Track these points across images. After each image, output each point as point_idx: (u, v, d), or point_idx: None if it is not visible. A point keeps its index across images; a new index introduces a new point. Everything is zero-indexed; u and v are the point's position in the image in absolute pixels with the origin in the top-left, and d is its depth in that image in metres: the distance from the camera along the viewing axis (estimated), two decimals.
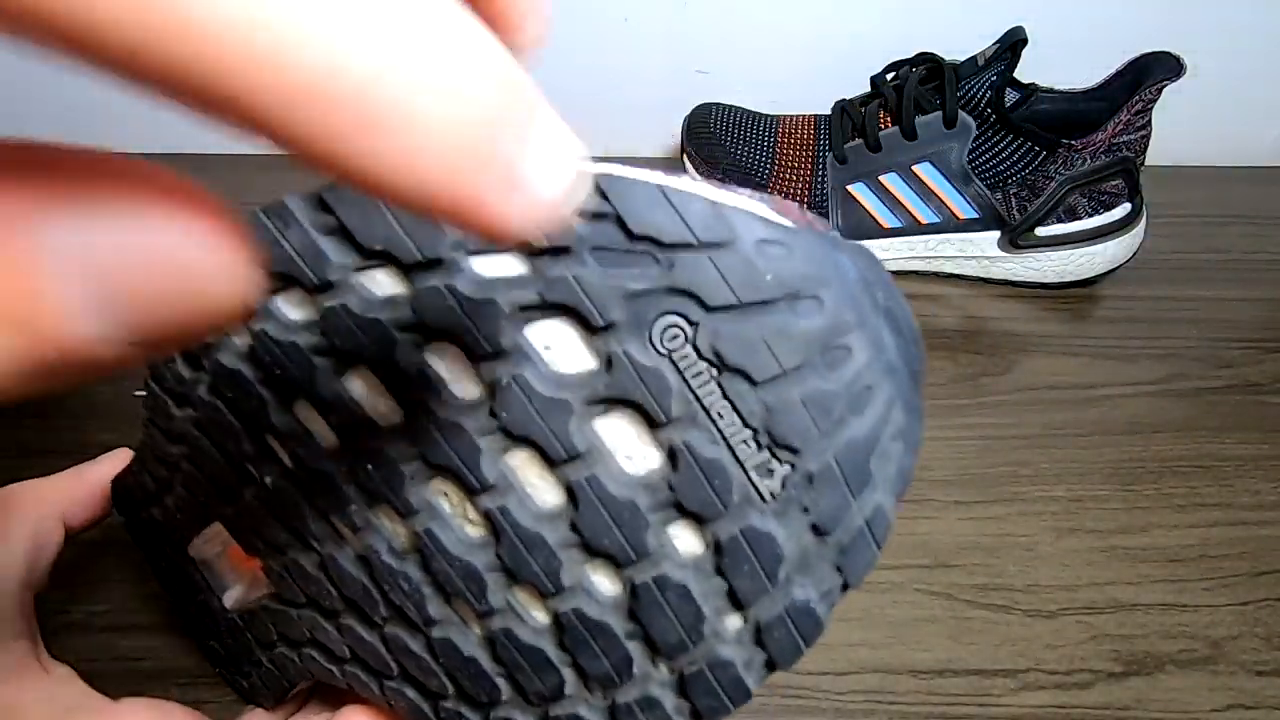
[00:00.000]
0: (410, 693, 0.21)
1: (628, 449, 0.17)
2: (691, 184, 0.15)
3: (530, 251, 0.16)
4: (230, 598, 0.24)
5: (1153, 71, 0.45)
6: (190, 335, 0.09)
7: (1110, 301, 0.50)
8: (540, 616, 0.18)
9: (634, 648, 0.18)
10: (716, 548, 0.17)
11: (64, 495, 0.24)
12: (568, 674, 0.19)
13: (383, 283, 0.17)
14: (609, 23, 0.60)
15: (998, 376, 0.44)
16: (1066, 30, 0.59)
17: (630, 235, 0.15)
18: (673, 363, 0.16)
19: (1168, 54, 0.45)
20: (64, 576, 0.31)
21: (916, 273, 0.52)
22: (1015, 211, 0.48)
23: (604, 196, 0.15)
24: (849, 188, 0.49)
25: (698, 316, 0.15)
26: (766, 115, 0.53)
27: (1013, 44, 0.45)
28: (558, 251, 0.16)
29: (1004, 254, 0.50)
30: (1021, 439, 0.40)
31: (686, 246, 0.15)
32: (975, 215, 0.48)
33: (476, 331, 0.16)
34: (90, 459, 0.26)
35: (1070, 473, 0.38)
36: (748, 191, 0.16)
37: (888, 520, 0.17)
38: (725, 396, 0.16)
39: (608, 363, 0.16)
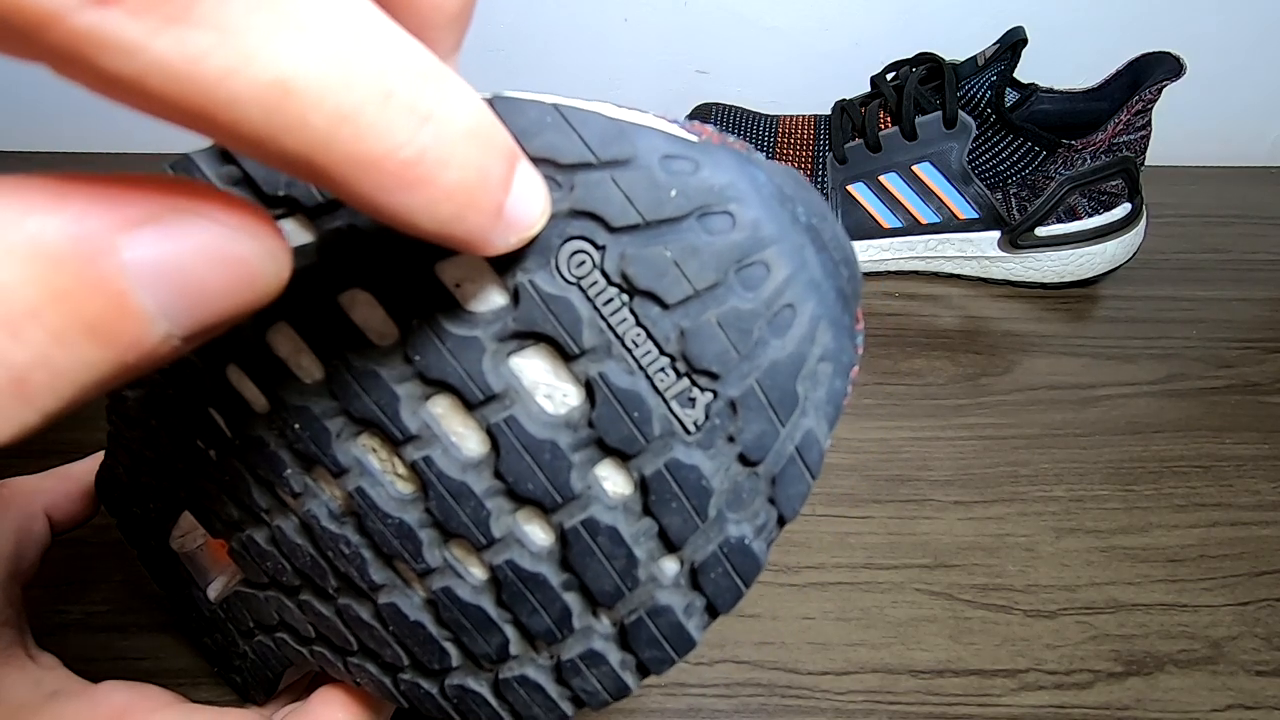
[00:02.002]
0: (371, 667, 0.20)
1: (545, 388, 0.16)
2: (591, 104, 0.15)
3: None
4: (213, 589, 0.24)
5: (1153, 71, 0.45)
6: (236, 320, 0.11)
7: (1110, 301, 0.50)
8: (477, 572, 0.18)
9: (571, 599, 0.18)
10: (643, 485, 0.16)
11: (48, 490, 0.25)
12: (510, 632, 0.18)
13: (291, 231, 0.16)
14: (609, 23, 0.60)
15: (998, 376, 0.44)
16: (1066, 30, 0.59)
17: (527, 158, 0.14)
18: (582, 290, 0.15)
19: (1168, 54, 0.45)
20: (62, 576, 0.31)
21: (916, 273, 0.52)
22: (1015, 211, 0.48)
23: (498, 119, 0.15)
24: (849, 188, 0.49)
25: (604, 240, 0.15)
26: (766, 115, 0.53)
27: (1013, 44, 0.45)
28: None
29: (1004, 254, 0.50)
30: (1021, 439, 0.40)
31: (586, 166, 0.14)
32: (975, 215, 0.48)
33: (385, 272, 0.16)
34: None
35: (1070, 473, 0.38)
36: (657, 113, 0.15)
37: (820, 446, 0.16)
38: (638, 323, 0.15)
39: (515, 296, 0.15)
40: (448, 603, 0.18)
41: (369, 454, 0.18)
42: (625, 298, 0.15)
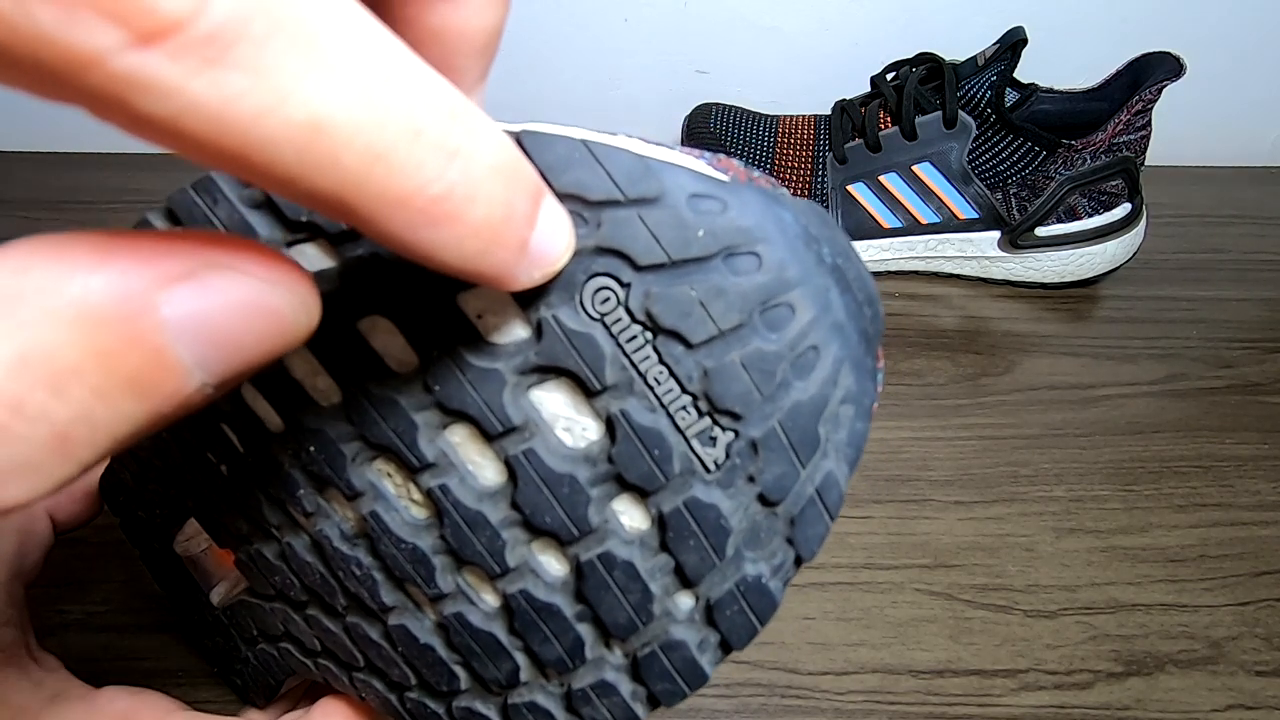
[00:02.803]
0: (378, 684, 0.20)
1: (565, 421, 0.16)
2: (618, 139, 0.15)
3: None
4: (216, 594, 0.24)
5: (1153, 71, 0.45)
6: (263, 366, 0.11)
7: (1110, 301, 0.50)
8: (490, 600, 0.18)
9: (584, 630, 0.18)
10: (661, 522, 0.16)
11: None
12: (521, 659, 0.18)
13: (312, 256, 0.16)
14: (609, 23, 0.60)
15: (998, 376, 0.44)
16: (1066, 30, 0.59)
17: (555, 194, 0.14)
18: (605, 327, 0.15)
19: (1168, 54, 0.45)
20: (63, 576, 0.31)
21: (916, 273, 0.52)
22: (1015, 211, 0.48)
23: (525, 153, 0.14)
24: (849, 188, 0.49)
25: (629, 277, 0.15)
26: (766, 115, 0.53)
27: (1013, 44, 0.45)
28: None
29: (1004, 254, 0.50)
30: (1021, 439, 0.40)
31: (613, 204, 0.14)
32: (975, 215, 0.48)
33: (406, 301, 0.16)
34: None
35: (1070, 473, 0.38)
36: (683, 148, 0.15)
37: (840, 488, 0.16)
38: (661, 361, 0.15)
39: (538, 330, 0.15)
40: (459, 628, 0.18)
41: (384, 479, 0.18)
42: (649, 335, 0.15)
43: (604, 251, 0.14)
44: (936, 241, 0.50)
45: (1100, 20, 0.60)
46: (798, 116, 0.52)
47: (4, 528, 0.23)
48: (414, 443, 0.17)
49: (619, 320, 0.15)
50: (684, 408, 0.15)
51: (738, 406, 0.15)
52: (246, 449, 0.18)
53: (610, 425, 0.16)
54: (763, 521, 0.16)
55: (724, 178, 0.15)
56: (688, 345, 0.15)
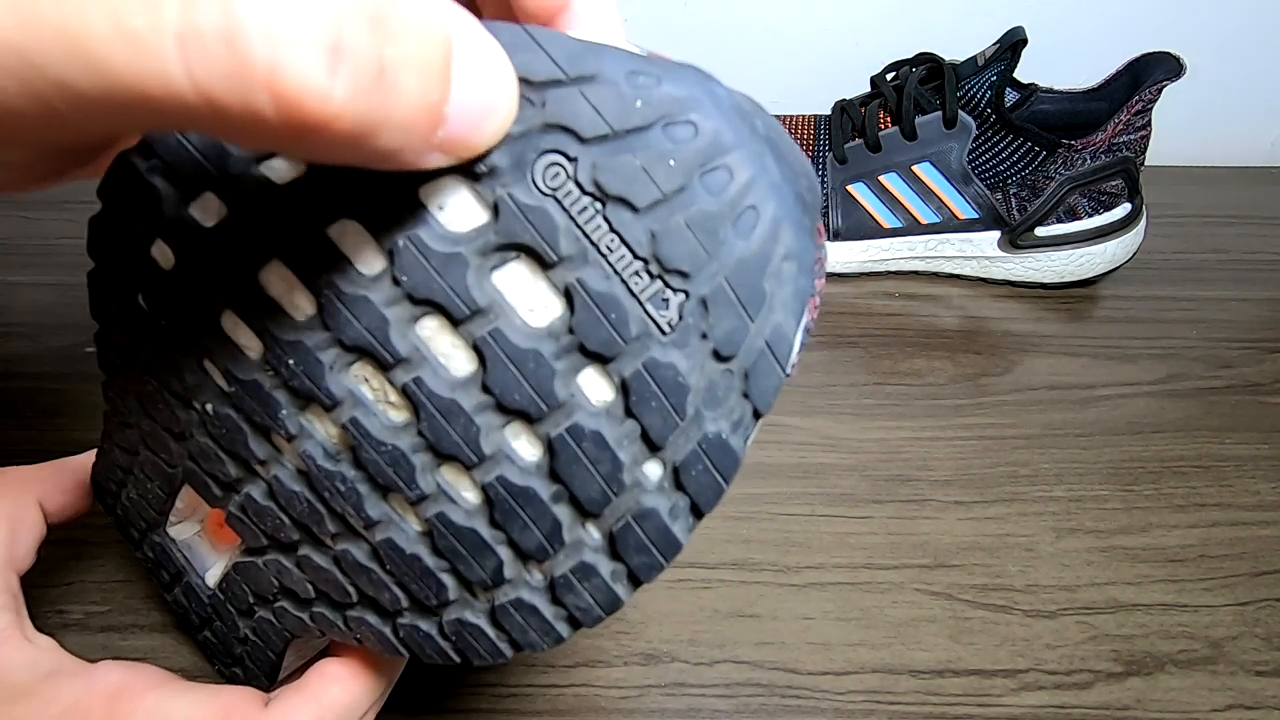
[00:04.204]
0: (371, 618, 0.21)
1: (528, 300, 0.17)
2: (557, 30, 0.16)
3: None
4: (211, 576, 0.25)
5: (1153, 71, 0.45)
6: None
7: (1110, 301, 0.50)
8: (469, 496, 0.19)
9: (561, 511, 0.18)
10: (623, 388, 0.17)
11: (41, 480, 0.25)
12: (504, 553, 0.19)
13: (281, 169, 0.17)
14: None
15: (998, 376, 0.44)
16: (1066, 30, 0.59)
17: None
18: (557, 200, 0.16)
19: (1168, 54, 0.45)
20: (63, 576, 0.31)
21: (916, 273, 0.52)
22: (1015, 211, 0.48)
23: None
24: (849, 188, 0.49)
25: (575, 151, 0.16)
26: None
27: (1013, 44, 0.45)
28: None
29: (1004, 254, 0.50)
30: (1021, 439, 0.40)
31: (557, 83, 0.15)
32: (975, 215, 0.48)
33: (371, 199, 0.17)
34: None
35: (1070, 473, 0.38)
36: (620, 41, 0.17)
37: (789, 341, 0.17)
38: (612, 229, 0.16)
39: (495, 210, 0.16)
40: (442, 529, 0.19)
41: (361, 385, 0.18)
42: (598, 205, 0.16)
43: (551, 128, 0.15)
44: (936, 241, 0.50)
45: (1100, 20, 0.60)
46: (798, 116, 0.52)
47: None
48: (387, 339, 0.17)
49: (569, 193, 0.16)
50: (636, 272, 0.16)
51: (686, 265, 0.16)
52: (229, 380, 0.19)
53: (569, 296, 0.17)
54: (719, 380, 0.17)
55: (660, 59, 0.16)
56: (634, 210, 0.16)
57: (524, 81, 0.15)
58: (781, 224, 0.16)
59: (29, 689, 0.21)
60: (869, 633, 0.31)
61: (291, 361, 0.18)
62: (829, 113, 0.51)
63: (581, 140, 0.15)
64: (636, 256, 0.16)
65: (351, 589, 0.21)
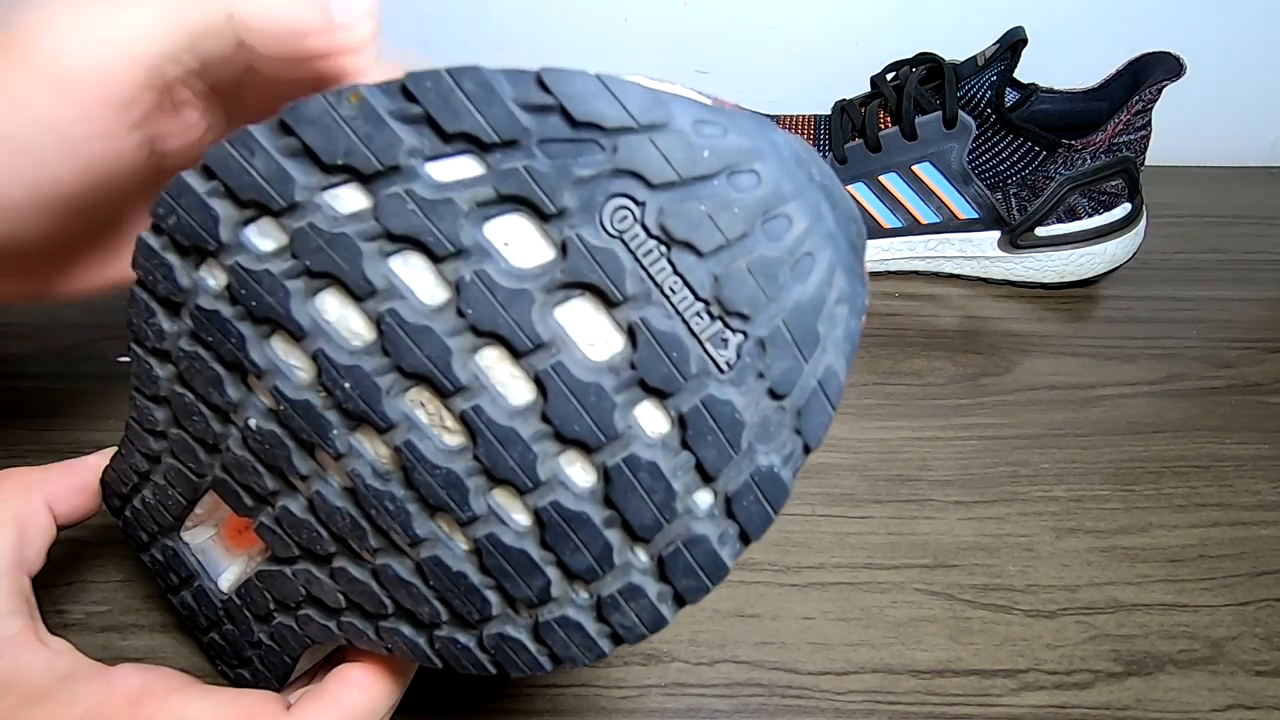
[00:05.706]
0: (406, 629, 0.21)
1: (589, 335, 0.18)
2: (627, 75, 0.17)
3: (482, 148, 0.17)
4: (226, 579, 0.25)
5: (1153, 71, 0.45)
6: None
7: (1110, 301, 0.50)
8: (521, 518, 0.19)
9: (612, 535, 0.19)
10: (680, 421, 0.18)
11: (49, 482, 0.25)
12: (552, 573, 0.19)
13: (345, 198, 0.18)
14: (609, 23, 0.60)
15: (998, 376, 0.44)
16: (1066, 30, 0.59)
17: (574, 124, 0.16)
18: (624, 243, 0.17)
19: (1168, 54, 0.45)
20: (63, 576, 0.31)
21: (916, 273, 0.52)
22: (1015, 211, 0.48)
23: (546, 90, 0.16)
24: (849, 188, 0.49)
25: (643, 196, 0.16)
26: (766, 115, 0.53)
27: (1013, 44, 0.45)
28: (508, 146, 0.17)
29: (1004, 254, 0.50)
30: (1021, 439, 0.40)
31: (628, 130, 0.16)
32: (975, 215, 0.48)
33: (438, 233, 0.17)
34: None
35: (1070, 473, 0.38)
36: (683, 85, 0.17)
37: (839, 380, 0.18)
38: (675, 271, 0.17)
39: (563, 249, 0.17)
40: (491, 549, 0.19)
41: (417, 409, 0.19)
42: (663, 249, 0.17)
43: (620, 173, 0.16)
44: (936, 241, 0.50)
45: (1100, 20, 0.60)
46: (797, 116, 0.52)
47: (3, 518, 0.23)
48: (448, 367, 0.18)
49: (636, 236, 0.17)
50: (698, 313, 0.17)
51: (746, 308, 0.17)
52: (276, 398, 0.19)
53: (631, 334, 0.17)
54: (772, 415, 0.18)
55: (724, 107, 0.17)
56: (699, 255, 0.17)
57: (596, 127, 0.16)
58: (835, 269, 0.17)
59: (48, 691, 0.21)
60: (869, 633, 0.31)
61: (348, 385, 0.19)
62: (829, 113, 0.51)
63: (650, 186, 0.16)
64: (698, 298, 0.17)
65: (388, 601, 0.21)
